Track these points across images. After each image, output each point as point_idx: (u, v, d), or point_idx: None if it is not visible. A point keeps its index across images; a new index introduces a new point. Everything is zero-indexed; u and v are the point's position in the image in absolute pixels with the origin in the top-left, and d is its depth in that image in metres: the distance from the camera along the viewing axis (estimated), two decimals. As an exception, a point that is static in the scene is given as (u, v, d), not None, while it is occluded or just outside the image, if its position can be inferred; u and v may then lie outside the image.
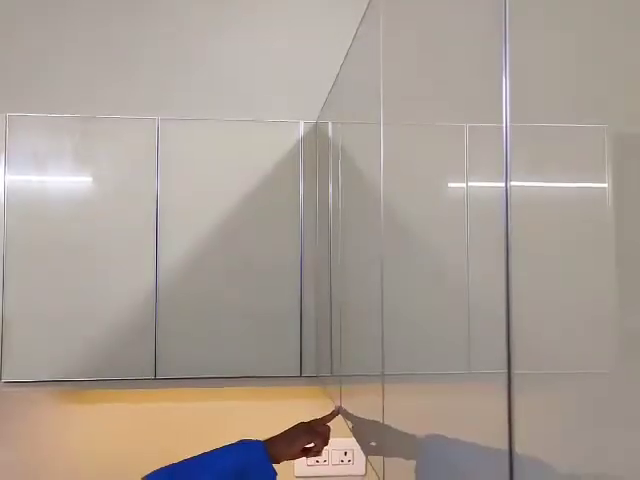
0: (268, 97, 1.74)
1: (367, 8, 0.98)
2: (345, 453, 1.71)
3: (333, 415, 1.23)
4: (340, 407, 1.22)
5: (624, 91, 0.38)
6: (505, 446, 0.45)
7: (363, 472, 1.72)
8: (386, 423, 0.83)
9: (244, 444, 1.11)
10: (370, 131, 0.92)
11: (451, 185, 0.63)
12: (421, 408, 0.73)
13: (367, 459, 0.94)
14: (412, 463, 0.74)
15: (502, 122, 0.48)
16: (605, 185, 0.40)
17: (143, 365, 1.55)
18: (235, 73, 1.77)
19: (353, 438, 1.68)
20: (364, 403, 0.99)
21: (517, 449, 0.44)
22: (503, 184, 0.47)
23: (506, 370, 0.45)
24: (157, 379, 1.53)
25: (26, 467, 1.67)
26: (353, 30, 1.11)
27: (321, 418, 1.22)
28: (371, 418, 0.91)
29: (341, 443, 1.71)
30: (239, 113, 1.71)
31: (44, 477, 1.67)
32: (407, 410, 0.78)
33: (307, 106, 1.60)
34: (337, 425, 1.70)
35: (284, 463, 1.69)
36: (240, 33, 1.79)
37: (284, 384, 1.57)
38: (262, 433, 1.71)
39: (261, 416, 1.72)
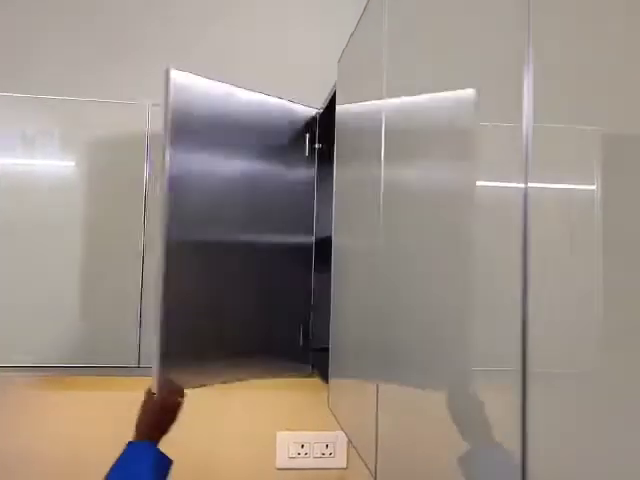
0: (267, 86, 1.73)
1: None
2: (327, 446, 1.72)
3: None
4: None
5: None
6: (518, 445, 0.45)
7: (344, 465, 1.73)
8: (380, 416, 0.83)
9: (135, 451, 1.16)
10: (374, 127, 0.92)
11: (462, 184, 0.64)
12: (418, 405, 0.73)
13: (359, 455, 0.94)
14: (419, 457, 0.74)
15: (521, 122, 0.48)
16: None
17: (127, 353, 1.54)
18: (231, 59, 1.75)
19: (335, 432, 1.70)
20: (362, 399, 0.99)
21: (530, 448, 0.44)
22: (522, 185, 0.47)
23: (520, 368, 0.46)
24: (141, 367, 1.52)
25: (5, 453, 1.65)
26: (356, 17, 1.10)
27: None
28: (365, 413, 0.91)
29: (323, 436, 1.72)
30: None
31: (24, 464, 1.65)
32: (402, 408, 0.79)
33: (311, 93, 1.58)
34: (320, 418, 1.71)
35: (265, 457, 1.71)
36: (239, 17, 1.77)
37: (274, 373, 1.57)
38: (245, 426, 1.71)
39: (249, 407, 1.72)
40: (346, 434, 1.05)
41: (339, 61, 1.27)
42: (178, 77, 1.37)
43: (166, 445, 1.66)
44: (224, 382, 1.51)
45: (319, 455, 1.72)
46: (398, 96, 0.83)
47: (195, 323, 1.40)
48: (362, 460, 0.92)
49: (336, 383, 1.17)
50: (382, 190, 0.87)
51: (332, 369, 1.19)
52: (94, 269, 1.59)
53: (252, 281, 1.52)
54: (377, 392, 0.84)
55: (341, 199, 1.20)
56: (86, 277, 1.58)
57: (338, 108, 1.25)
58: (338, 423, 1.12)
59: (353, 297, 1.09)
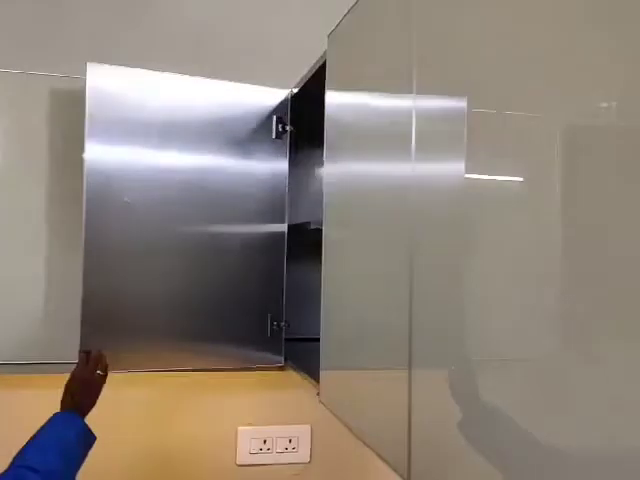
0: (236, 65, 1.64)
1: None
2: (290, 440, 1.66)
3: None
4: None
5: None
6: None
7: (308, 459, 1.67)
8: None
9: (63, 419, 1.16)
10: (397, 122, 0.87)
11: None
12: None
13: (377, 453, 0.89)
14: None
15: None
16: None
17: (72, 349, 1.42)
18: (199, 38, 1.64)
19: (298, 425, 1.64)
20: (377, 391, 0.93)
21: None
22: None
23: None
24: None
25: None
26: None
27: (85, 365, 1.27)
28: (387, 406, 0.87)
29: (285, 430, 1.66)
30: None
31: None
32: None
33: (286, 72, 1.51)
34: (282, 411, 1.65)
35: (225, 453, 1.63)
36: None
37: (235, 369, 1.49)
38: (205, 421, 1.62)
39: (209, 402, 1.63)
40: (351, 430, 1.00)
41: (330, 35, 1.21)
42: (96, 71, 1.36)
43: (122, 442, 1.55)
44: (181, 370, 1.46)
45: (282, 450, 1.66)
46: (438, 94, 0.78)
47: (134, 309, 1.38)
48: (380, 458, 0.87)
49: (330, 375, 1.12)
50: (414, 185, 0.82)
51: (324, 361, 1.13)
52: (35, 262, 1.47)
53: (213, 271, 1.45)
54: (410, 383, 0.79)
55: (334, 189, 1.14)
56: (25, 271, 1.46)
57: (330, 93, 1.18)
58: (338, 418, 1.06)
59: (353, 288, 1.04)
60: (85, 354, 1.28)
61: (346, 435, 1.67)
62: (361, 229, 1.03)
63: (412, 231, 0.80)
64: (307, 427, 1.67)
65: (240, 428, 1.64)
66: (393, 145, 0.90)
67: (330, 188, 1.16)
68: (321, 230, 1.39)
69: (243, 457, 1.64)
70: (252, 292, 1.47)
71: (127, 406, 1.56)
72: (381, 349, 0.91)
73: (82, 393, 1.23)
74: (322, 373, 1.14)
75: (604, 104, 0.52)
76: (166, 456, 1.59)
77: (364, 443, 0.94)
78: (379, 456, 0.87)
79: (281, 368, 1.49)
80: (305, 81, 1.43)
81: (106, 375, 1.28)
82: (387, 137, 0.93)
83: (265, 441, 1.64)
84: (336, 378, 1.10)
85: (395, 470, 0.80)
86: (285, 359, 1.46)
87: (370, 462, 1.69)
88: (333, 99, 1.18)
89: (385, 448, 0.86)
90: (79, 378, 1.25)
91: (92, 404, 1.23)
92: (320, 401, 1.14)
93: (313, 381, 1.22)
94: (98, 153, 1.36)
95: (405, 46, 0.85)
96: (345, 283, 1.08)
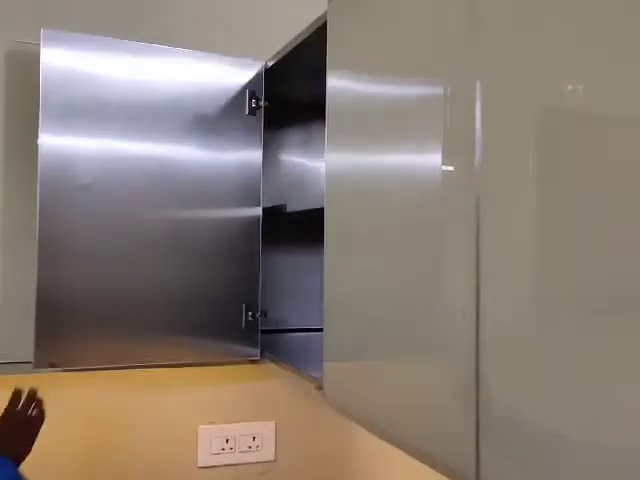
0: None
1: None
2: (253, 438, 1.56)
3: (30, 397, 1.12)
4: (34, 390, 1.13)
5: None
6: None
7: (272, 458, 1.57)
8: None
9: None
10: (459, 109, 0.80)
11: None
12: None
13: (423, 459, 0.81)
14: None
15: None
16: None
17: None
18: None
19: (261, 422, 1.54)
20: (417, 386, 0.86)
21: None
22: None
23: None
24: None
25: None
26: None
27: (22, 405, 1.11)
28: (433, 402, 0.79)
29: (249, 427, 1.56)
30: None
31: None
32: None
33: (257, 44, 1.40)
34: (245, 408, 1.54)
35: (185, 456, 1.50)
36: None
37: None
38: (163, 421, 1.48)
39: (167, 399, 1.50)
40: (371, 429, 0.92)
41: (331, 0, 1.10)
42: (51, 39, 1.22)
43: (71, 445, 1.38)
44: (144, 366, 1.33)
45: (245, 449, 1.55)
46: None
47: (93, 302, 1.25)
48: (428, 464, 0.79)
49: (339, 368, 1.03)
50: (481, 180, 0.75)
51: (329, 352, 1.04)
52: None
53: (182, 258, 1.33)
54: (477, 376, 0.72)
55: (337, 174, 1.05)
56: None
57: (332, 70, 1.06)
58: (347, 415, 0.98)
59: (371, 277, 0.96)
60: (18, 392, 1.11)
61: (311, 432, 1.60)
62: (375, 217, 0.95)
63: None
64: (271, 424, 1.57)
65: (201, 427, 1.51)
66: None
67: (333, 174, 1.06)
68: (296, 213, 1.31)
69: (204, 459, 1.51)
70: (225, 280, 1.35)
71: (77, 407, 1.40)
72: (426, 339, 0.83)
73: (15, 438, 1.06)
74: (326, 365, 1.05)
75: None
76: (120, 461, 1.44)
77: (394, 445, 0.86)
78: (425, 461, 0.79)
79: (255, 362, 1.39)
80: (284, 54, 1.33)
81: (43, 417, 1.11)
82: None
83: (227, 440, 1.53)
84: (347, 371, 1.02)
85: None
86: (261, 352, 1.36)
87: (337, 459, 1.62)
88: (336, 77, 1.06)
89: (437, 452, 0.79)
90: (11, 420, 1.07)
91: (27, 451, 1.06)
92: (324, 396, 1.05)
93: (308, 375, 1.13)
94: (54, 134, 1.23)
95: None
96: (357, 271, 1.00)
